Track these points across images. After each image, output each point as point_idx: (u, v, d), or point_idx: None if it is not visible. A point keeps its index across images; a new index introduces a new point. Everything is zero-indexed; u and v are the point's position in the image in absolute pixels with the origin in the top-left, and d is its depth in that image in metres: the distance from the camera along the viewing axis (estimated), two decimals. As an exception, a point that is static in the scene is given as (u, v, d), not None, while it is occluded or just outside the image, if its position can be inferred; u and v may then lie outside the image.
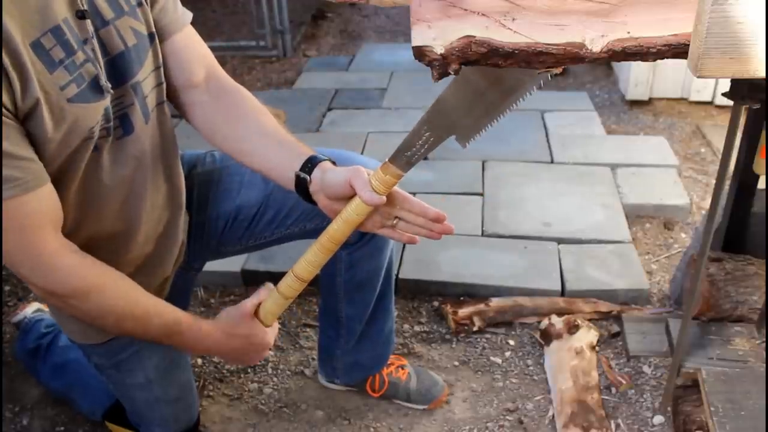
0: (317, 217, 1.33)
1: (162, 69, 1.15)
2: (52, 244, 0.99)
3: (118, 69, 1.05)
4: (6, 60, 0.86)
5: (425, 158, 1.33)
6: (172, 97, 1.21)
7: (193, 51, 1.20)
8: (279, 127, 1.20)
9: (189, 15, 1.21)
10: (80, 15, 0.98)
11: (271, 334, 1.22)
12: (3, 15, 0.86)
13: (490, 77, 0.92)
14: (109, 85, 1.03)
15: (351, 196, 1.05)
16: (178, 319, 1.13)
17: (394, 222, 1.10)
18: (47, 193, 0.97)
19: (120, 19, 1.05)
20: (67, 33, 0.95)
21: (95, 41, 1.00)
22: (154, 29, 1.12)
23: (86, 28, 0.99)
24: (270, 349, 1.29)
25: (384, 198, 1.03)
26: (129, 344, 1.25)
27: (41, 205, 0.96)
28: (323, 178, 1.09)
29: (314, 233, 1.36)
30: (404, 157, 1.00)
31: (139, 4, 1.09)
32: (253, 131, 1.19)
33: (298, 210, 1.34)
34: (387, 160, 1.02)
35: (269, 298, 1.18)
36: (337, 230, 1.08)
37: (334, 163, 1.14)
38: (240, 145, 1.20)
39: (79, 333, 1.25)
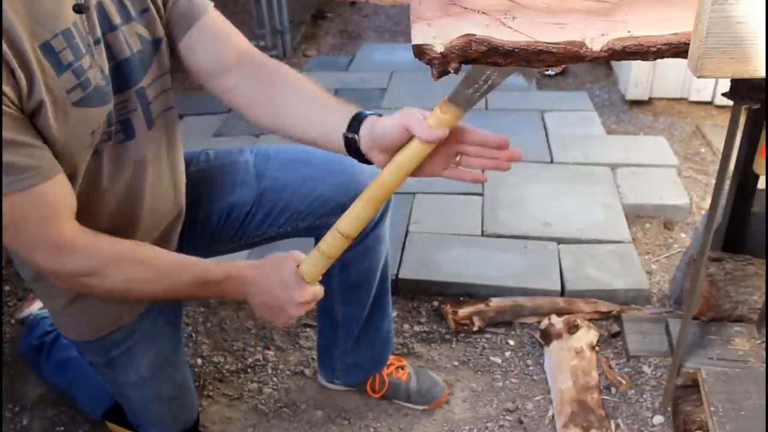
0: (310, 216, 1.33)
1: (169, 75, 1.14)
2: (70, 230, 0.99)
3: (123, 74, 1.05)
4: (13, 60, 0.86)
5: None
6: (209, 85, 1.17)
7: (220, 34, 1.16)
8: (321, 92, 1.14)
9: (209, 2, 1.17)
10: (77, 9, 0.95)
11: (309, 291, 1.09)
12: (11, 15, 0.85)
13: None
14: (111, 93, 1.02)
15: (407, 143, 0.98)
16: (207, 268, 1.10)
17: (457, 159, 1.03)
18: (63, 180, 0.96)
19: (127, 25, 1.05)
20: (76, 36, 0.95)
21: (102, 45, 0.99)
22: (161, 34, 1.11)
23: (94, 32, 0.98)
24: (305, 314, 1.14)
25: (446, 131, 0.94)
26: (121, 341, 1.25)
27: (60, 192, 0.96)
28: (372, 132, 1.02)
29: (308, 232, 1.36)
30: (465, 95, 0.91)
31: (145, 10, 1.08)
32: (294, 103, 1.13)
33: (290, 209, 1.33)
34: (446, 98, 0.93)
35: (308, 259, 1.09)
36: (390, 176, 0.98)
37: (380, 115, 1.06)
38: (283, 120, 1.14)
39: (72, 330, 1.25)
